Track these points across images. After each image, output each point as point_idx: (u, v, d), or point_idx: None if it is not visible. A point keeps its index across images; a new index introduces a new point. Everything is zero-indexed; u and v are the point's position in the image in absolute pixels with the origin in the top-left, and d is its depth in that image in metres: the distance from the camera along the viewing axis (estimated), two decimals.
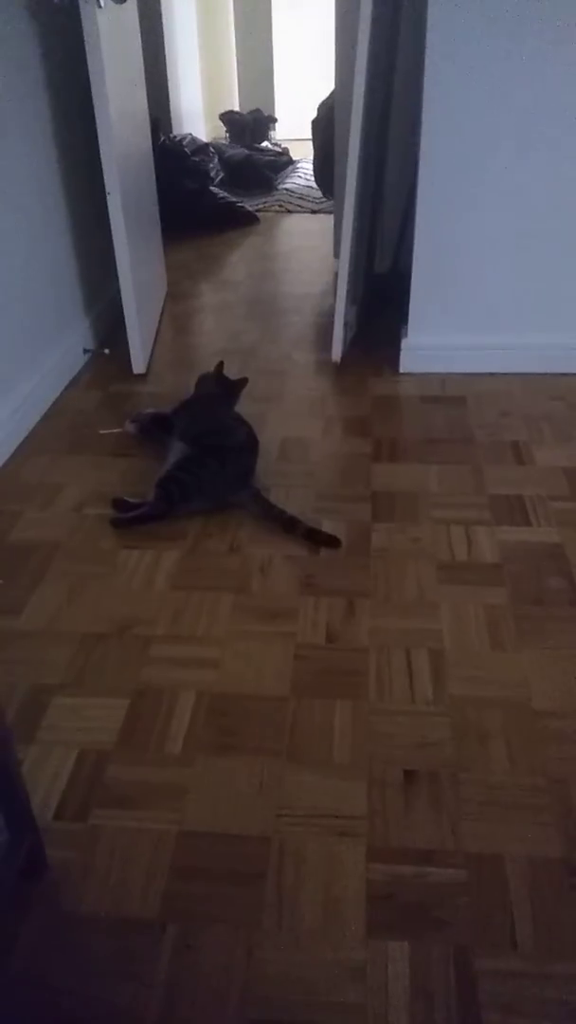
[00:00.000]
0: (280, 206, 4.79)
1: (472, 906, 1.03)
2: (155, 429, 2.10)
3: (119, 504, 1.86)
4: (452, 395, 2.43)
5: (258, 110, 6.08)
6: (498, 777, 1.20)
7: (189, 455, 1.86)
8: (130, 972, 0.97)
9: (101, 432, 2.24)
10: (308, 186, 5.09)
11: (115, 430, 2.22)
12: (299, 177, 5.42)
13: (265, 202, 4.85)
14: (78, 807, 1.18)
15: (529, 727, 1.29)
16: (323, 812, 1.16)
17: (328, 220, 3.93)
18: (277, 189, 5.16)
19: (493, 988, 0.95)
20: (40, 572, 1.69)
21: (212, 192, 4.39)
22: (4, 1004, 0.95)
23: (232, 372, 2.19)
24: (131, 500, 1.86)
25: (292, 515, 1.78)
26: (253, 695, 1.37)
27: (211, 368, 2.21)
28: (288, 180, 5.37)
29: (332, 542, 1.75)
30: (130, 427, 2.17)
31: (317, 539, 1.75)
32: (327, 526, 1.78)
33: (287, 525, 1.77)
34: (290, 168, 5.61)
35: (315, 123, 4.35)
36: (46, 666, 1.44)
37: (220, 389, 2.13)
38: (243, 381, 2.15)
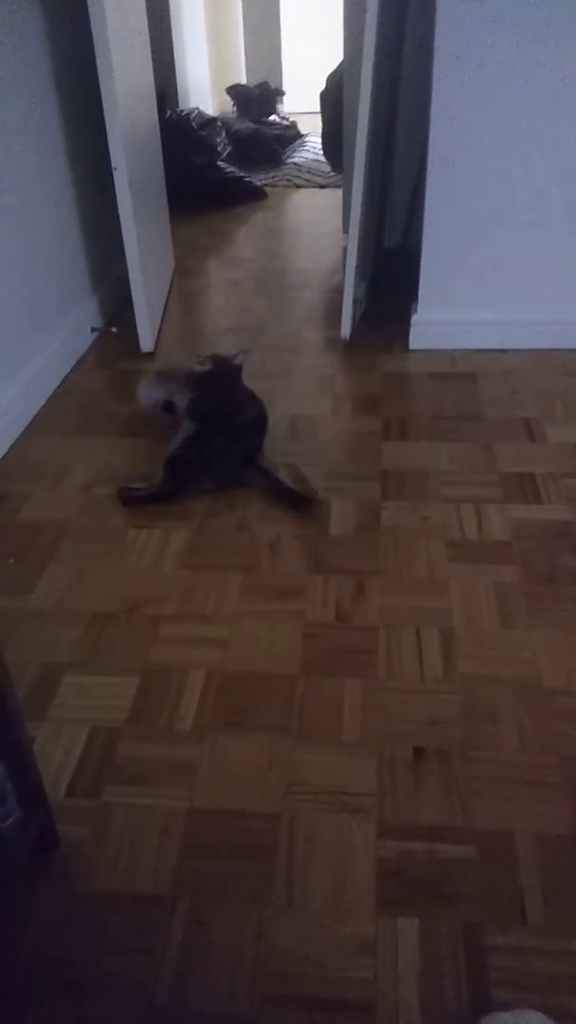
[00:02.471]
0: (288, 181, 4.73)
1: (482, 883, 1.03)
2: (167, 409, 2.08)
3: (126, 494, 1.85)
4: (463, 372, 2.40)
5: (265, 83, 5.99)
6: (508, 755, 1.20)
7: (196, 433, 1.85)
8: (142, 947, 0.98)
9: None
10: (316, 160, 5.03)
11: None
12: (307, 151, 5.35)
13: (273, 177, 4.79)
14: (89, 784, 1.18)
15: (539, 705, 1.28)
16: (333, 789, 1.16)
17: (337, 195, 3.88)
18: (285, 163, 5.10)
19: (503, 964, 0.95)
20: (50, 552, 1.69)
21: (219, 167, 4.34)
22: (17, 978, 0.96)
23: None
24: (136, 487, 1.85)
25: (300, 491, 1.78)
26: (263, 673, 1.37)
27: (219, 347, 2.19)
28: (296, 154, 5.31)
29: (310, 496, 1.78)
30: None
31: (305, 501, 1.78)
32: (336, 504, 1.78)
33: (296, 502, 1.77)
34: (298, 142, 5.54)
35: (323, 95, 4.29)
36: (57, 645, 1.45)
37: (222, 372, 2.09)
38: (239, 368, 2.06)
